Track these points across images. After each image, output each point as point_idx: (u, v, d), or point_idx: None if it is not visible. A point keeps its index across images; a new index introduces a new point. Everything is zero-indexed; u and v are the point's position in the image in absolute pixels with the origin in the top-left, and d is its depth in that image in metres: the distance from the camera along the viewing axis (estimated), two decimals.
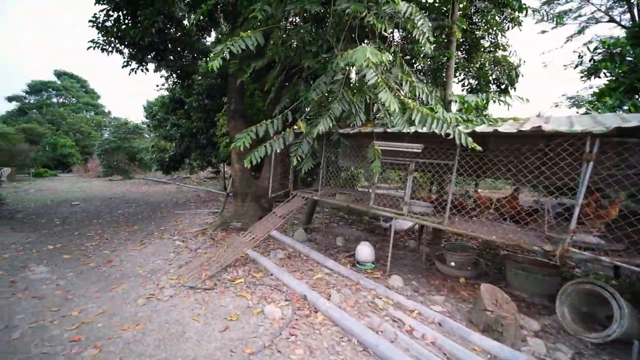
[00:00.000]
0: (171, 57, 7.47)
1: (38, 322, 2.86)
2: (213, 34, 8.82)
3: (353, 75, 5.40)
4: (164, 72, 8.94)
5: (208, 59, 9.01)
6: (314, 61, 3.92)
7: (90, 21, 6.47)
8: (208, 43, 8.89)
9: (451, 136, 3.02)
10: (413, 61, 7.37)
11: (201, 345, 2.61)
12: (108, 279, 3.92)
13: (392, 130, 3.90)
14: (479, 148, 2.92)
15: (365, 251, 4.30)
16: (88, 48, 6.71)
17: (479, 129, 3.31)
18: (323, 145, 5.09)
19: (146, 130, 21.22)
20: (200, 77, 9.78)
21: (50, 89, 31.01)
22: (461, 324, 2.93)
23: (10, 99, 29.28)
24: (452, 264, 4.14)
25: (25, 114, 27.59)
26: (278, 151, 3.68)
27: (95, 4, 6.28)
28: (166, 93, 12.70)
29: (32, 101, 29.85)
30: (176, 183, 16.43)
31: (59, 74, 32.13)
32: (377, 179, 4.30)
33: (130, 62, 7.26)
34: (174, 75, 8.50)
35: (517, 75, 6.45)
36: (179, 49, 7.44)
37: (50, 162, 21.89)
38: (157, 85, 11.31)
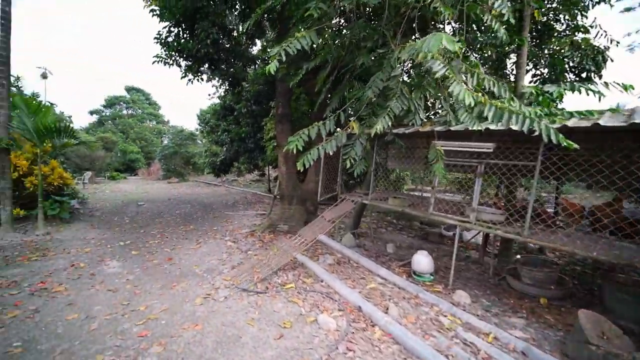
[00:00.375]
0: (223, 67, 7.92)
1: (112, 315, 3.08)
2: (258, 43, 9.24)
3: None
4: (215, 82, 9.58)
5: (256, 66, 9.45)
6: (368, 58, 3.72)
7: (155, 38, 7.15)
8: (254, 52, 9.32)
9: (536, 133, 2.57)
10: (468, 54, 6.74)
11: (257, 353, 2.55)
12: (169, 276, 4.14)
13: (456, 128, 3.50)
14: (575, 146, 2.43)
15: (423, 261, 3.93)
16: (153, 62, 7.43)
17: (571, 123, 2.78)
18: (374, 147, 4.84)
19: (199, 136, 22.97)
20: (248, 85, 10.24)
21: (122, 102, 35.61)
22: (553, 356, 2.45)
23: (91, 113, 34.32)
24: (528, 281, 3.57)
25: (102, 125, 31.99)
26: (331, 154, 3.54)
27: (159, 22, 6.92)
28: (217, 101, 13.59)
29: (107, 113, 34.56)
30: (225, 185, 17.41)
31: (129, 89, 36.69)
32: (423, 181, 3.91)
33: (187, 74, 7.88)
34: (226, 82, 9.00)
35: (604, 60, 5.46)
36: (230, 57, 7.84)
37: (121, 166, 24.87)
38: (209, 94, 12.13)
